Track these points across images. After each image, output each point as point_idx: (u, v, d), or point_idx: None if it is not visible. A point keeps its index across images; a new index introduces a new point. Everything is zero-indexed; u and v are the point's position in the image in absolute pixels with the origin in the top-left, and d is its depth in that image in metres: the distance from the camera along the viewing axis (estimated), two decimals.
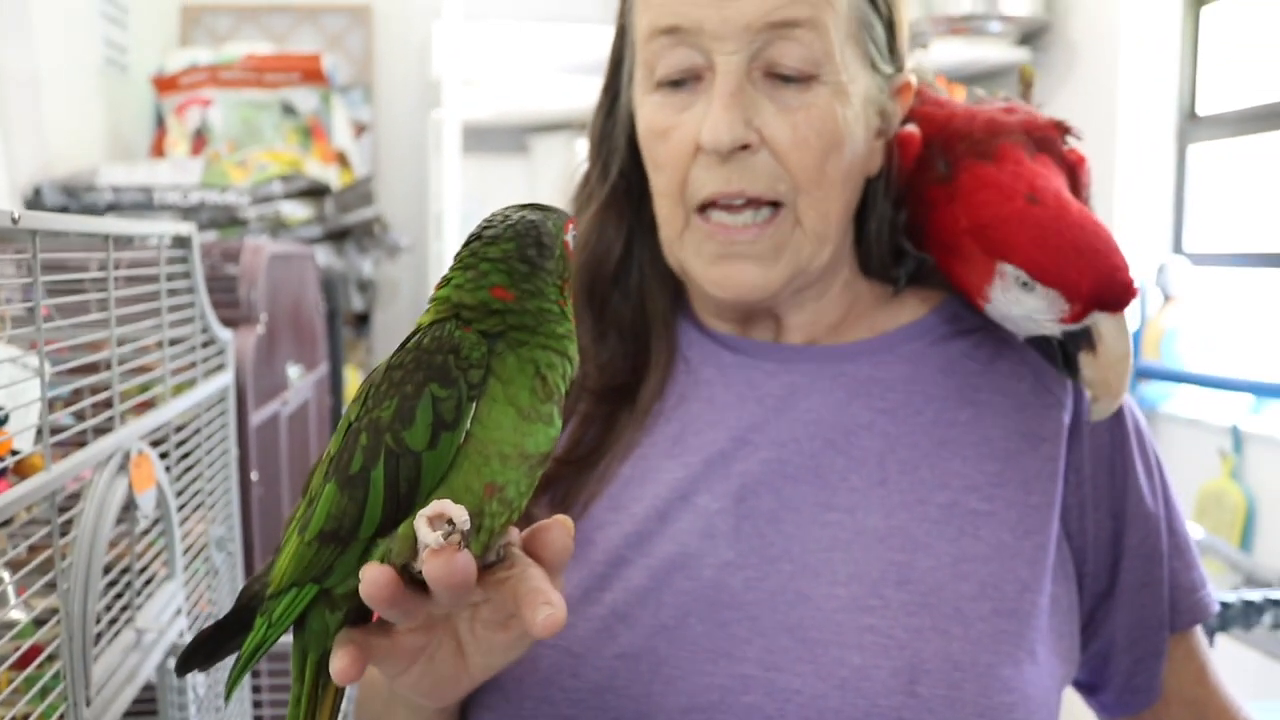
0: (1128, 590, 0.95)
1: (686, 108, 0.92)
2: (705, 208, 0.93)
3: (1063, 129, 0.98)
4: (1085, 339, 0.88)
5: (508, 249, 0.67)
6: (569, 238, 0.70)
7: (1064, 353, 0.92)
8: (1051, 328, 0.89)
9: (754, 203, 0.91)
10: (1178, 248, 3.35)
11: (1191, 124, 3.30)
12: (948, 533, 0.88)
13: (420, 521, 0.62)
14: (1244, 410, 3.02)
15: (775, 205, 0.92)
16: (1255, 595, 1.81)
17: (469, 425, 0.64)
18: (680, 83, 0.93)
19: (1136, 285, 0.87)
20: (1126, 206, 3.30)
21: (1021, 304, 0.89)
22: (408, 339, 0.69)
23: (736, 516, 0.90)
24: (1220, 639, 1.92)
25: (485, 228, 0.68)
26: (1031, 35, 3.58)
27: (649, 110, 0.95)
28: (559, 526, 0.68)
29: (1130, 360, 0.89)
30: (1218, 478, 2.89)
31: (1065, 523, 0.93)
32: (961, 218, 0.92)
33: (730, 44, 0.89)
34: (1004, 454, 0.92)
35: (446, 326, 0.66)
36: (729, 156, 0.90)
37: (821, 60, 0.90)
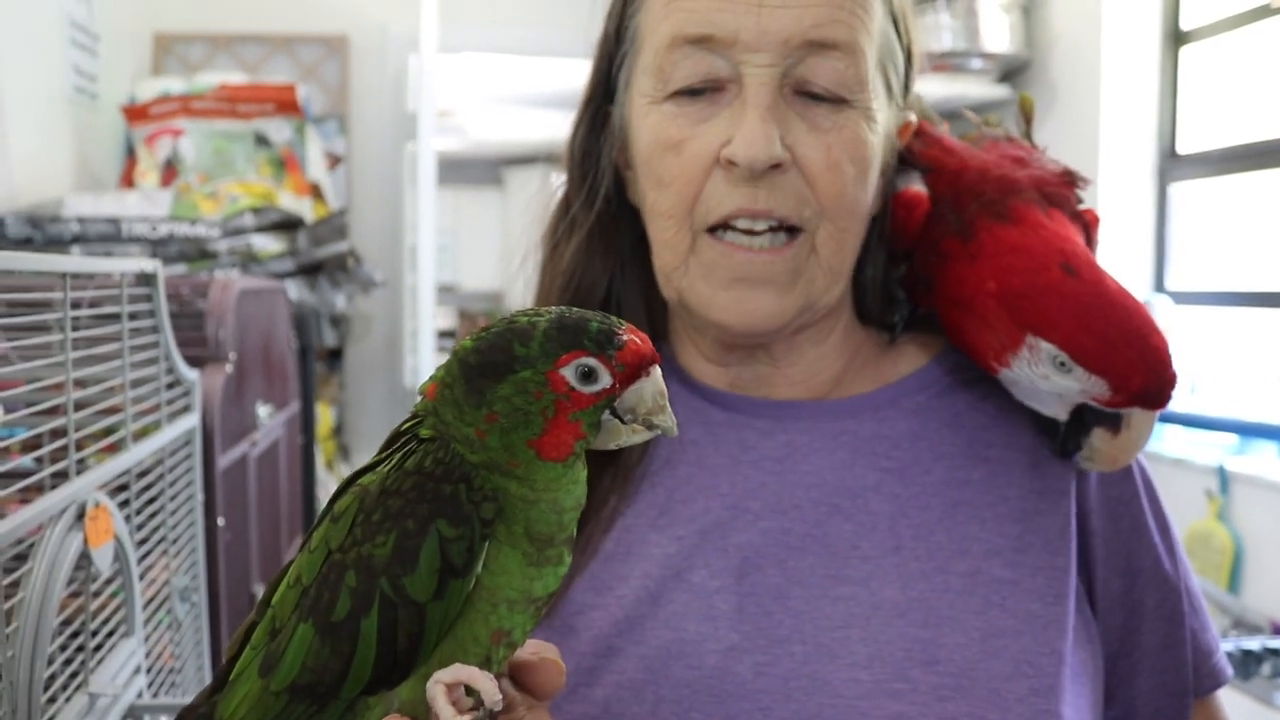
0: (1150, 654, 0.90)
1: (704, 120, 0.86)
2: (717, 228, 0.86)
3: (1072, 180, 0.94)
4: (1111, 419, 0.84)
5: (464, 349, 0.59)
6: (567, 371, 0.57)
7: (1071, 422, 0.86)
8: (1076, 399, 0.85)
9: (777, 225, 0.85)
10: (1160, 286, 3.33)
11: (1172, 162, 3.30)
12: (973, 604, 0.81)
13: (438, 693, 0.53)
14: (1229, 450, 2.99)
15: (792, 231, 0.86)
16: (1254, 644, 1.77)
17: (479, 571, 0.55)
18: (698, 93, 0.86)
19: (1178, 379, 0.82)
20: (1108, 245, 3.28)
21: (1051, 381, 0.84)
22: (393, 445, 0.59)
23: (739, 594, 0.82)
24: None
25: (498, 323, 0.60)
26: (1012, 72, 3.58)
27: (659, 121, 0.87)
28: (551, 667, 0.61)
29: (1145, 447, 0.85)
30: (1205, 519, 2.85)
31: (1085, 582, 0.88)
32: (989, 279, 0.86)
33: (765, 56, 0.83)
34: (1023, 515, 0.86)
35: (452, 448, 0.56)
36: (760, 175, 0.83)
37: (854, 85, 0.85)
